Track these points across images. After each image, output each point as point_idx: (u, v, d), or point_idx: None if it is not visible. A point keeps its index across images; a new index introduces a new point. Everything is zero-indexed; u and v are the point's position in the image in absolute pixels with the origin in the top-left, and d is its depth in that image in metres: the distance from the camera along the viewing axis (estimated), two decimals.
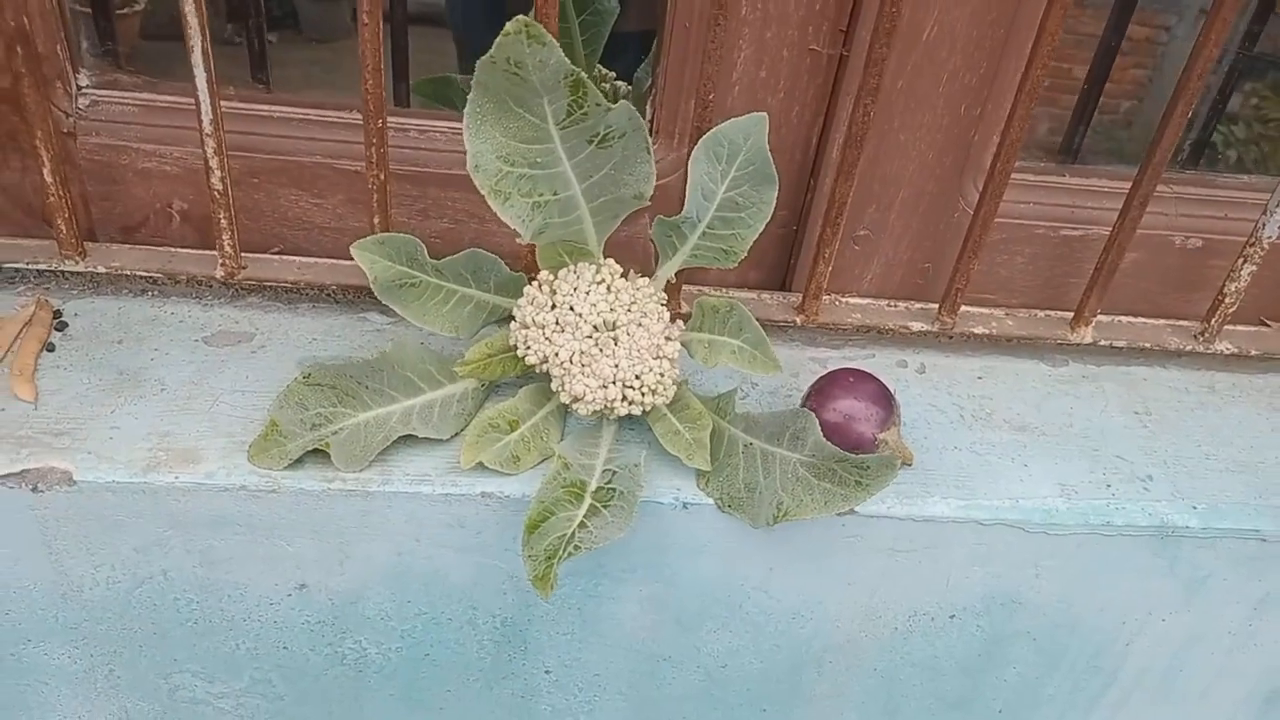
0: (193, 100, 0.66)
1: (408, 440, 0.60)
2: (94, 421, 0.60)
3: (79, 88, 0.65)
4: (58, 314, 0.66)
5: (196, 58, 0.58)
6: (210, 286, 0.70)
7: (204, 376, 0.64)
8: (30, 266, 0.67)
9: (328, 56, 2.45)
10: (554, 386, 0.60)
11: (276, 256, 0.70)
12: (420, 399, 0.62)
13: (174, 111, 0.67)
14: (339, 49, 2.50)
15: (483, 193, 0.55)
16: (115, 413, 0.60)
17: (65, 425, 0.59)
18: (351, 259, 0.69)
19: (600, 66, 0.83)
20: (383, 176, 0.63)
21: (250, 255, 0.68)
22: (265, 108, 0.67)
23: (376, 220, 0.65)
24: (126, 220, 0.69)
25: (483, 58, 0.50)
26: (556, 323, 0.58)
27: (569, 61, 0.50)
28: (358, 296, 0.71)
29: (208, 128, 0.60)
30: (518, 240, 0.58)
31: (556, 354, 0.58)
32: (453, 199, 0.70)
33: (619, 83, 0.85)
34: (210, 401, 0.62)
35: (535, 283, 0.59)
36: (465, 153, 0.69)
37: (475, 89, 0.52)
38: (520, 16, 0.48)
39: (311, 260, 0.70)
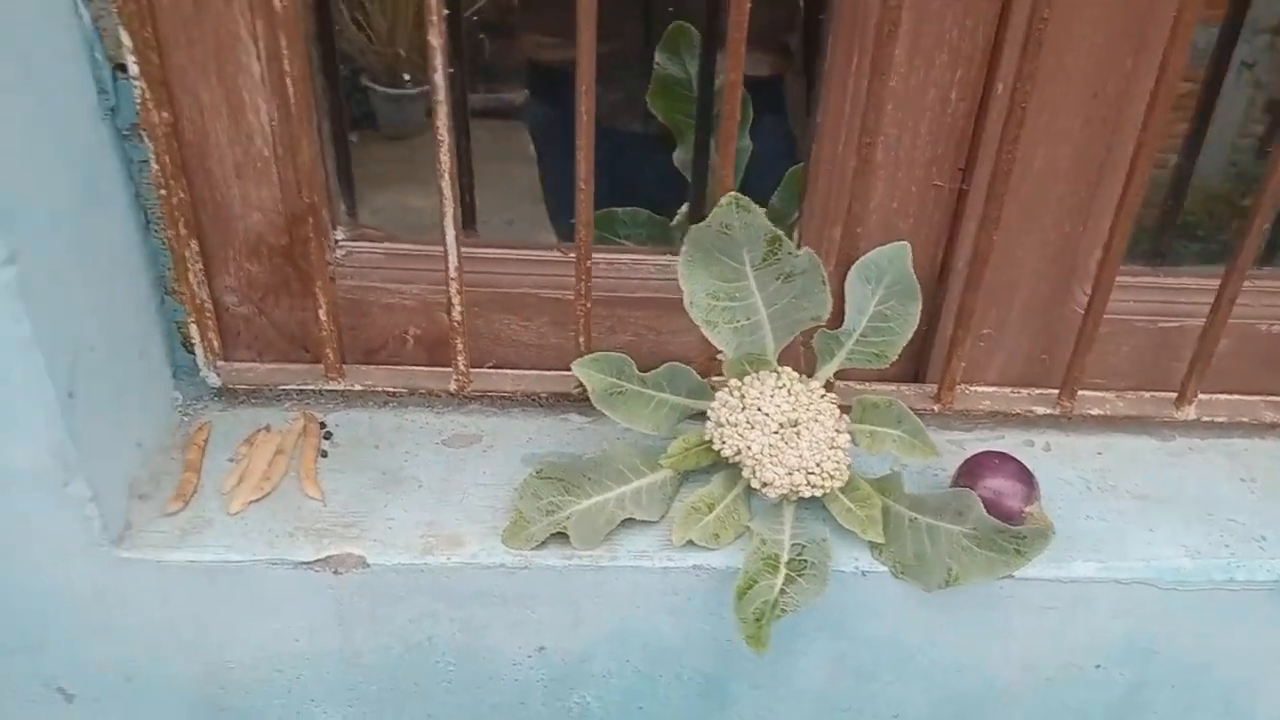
0: (426, 248, 0.82)
1: (625, 523, 0.73)
2: (372, 515, 0.73)
3: (336, 241, 0.80)
4: (323, 425, 0.80)
5: (448, 222, 0.72)
6: (440, 397, 0.84)
7: (450, 474, 0.77)
8: (300, 387, 0.81)
9: (404, 153, 2.64)
10: (745, 474, 0.72)
11: (493, 370, 0.83)
12: (629, 487, 0.75)
13: (410, 257, 0.81)
14: (414, 145, 2.70)
15: (697, 323, 0.69)
16: (388, 506, 0.74)
17: (350, 518, 0.73)
18: (556, 370, 0.84)
19: None
20: (588, 305, 0.77)
21: (474, 370, 0.82)
22: (483, 250, 0.82)
23: (582, 340, 0.78)
24: (369, 345, 0.83)
25: (698, 225, 0.64)
26: (747, 421, 0.71)
27: (770, 224, 0.63)
28: (559, 401, 0.84)
29: (453, 273, 0.75)
30: (719, 358, 0.71)
31: (749, 447, 0.70)
32: (635, 317, 0.83)
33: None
34: (460, 494, 0.75)
35: (727, 389, 0.72)
36: (643, 279, 0.83)
37: (688, 244, 0.66)
38: (733, 192, 0.62)
39: (523, 372, 0.83)
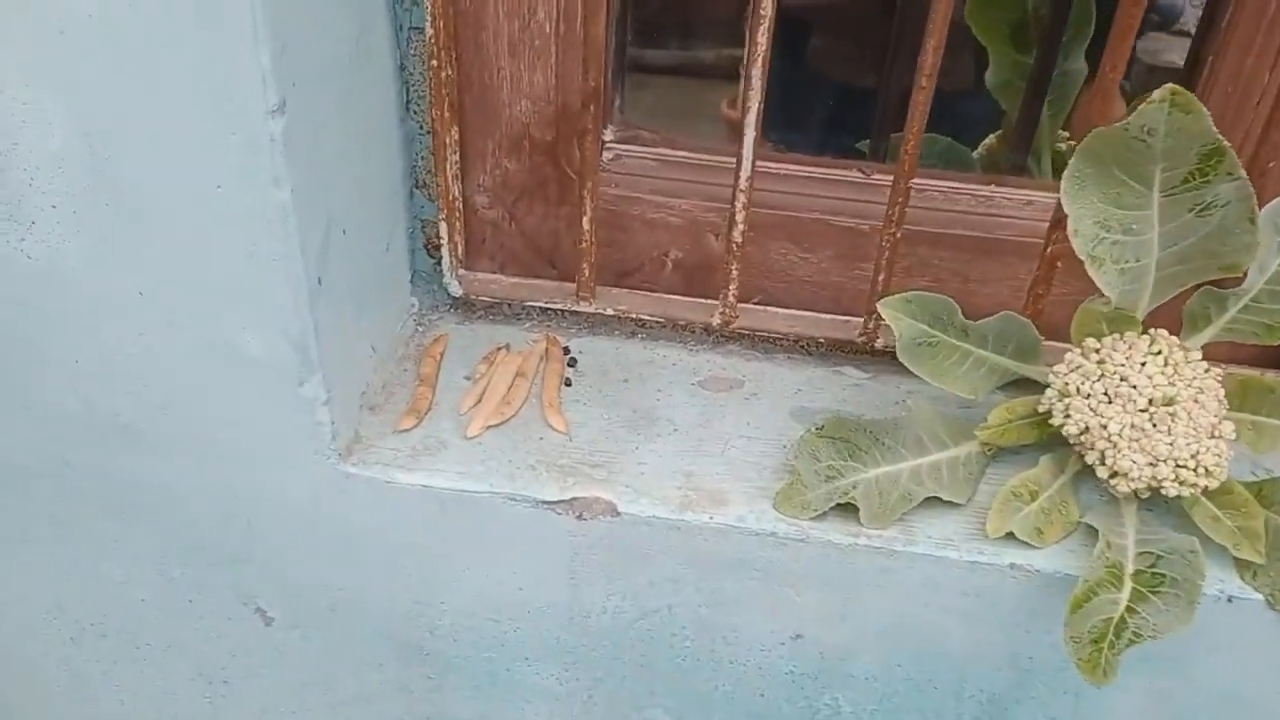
0: (706, 158, 0.70)
1: (925, 503, 0.60)
2: (623, 456, 0.63)
3: (604, 143, 0.70)
4: (566, 350, 0.71)
5: (751, 118, 0.61)
6: (693, 332, 0.73)
7: (709, 419, 0.66)
8: (545, 306, 0.72)
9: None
10: (1090, 458, 0.58)
11: (761, 307, 0.72)
12: (927, 459, 0.61)
13: (686, 166, 0.70)
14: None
15: (1080, 257, 0.54)
16: (639, 449, 0.63)
17: (598, 458, 0.63)
18: (834, 314, 0.71)
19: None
20: (896, 235, 0.64)
21: (740, 305, 0.71)
22: (771, 164, 0.70)
23: (881, 278, 0.65)
24: (623, 266, 0.73)
25: (1103, 130, 0.50)
26: (1106, 393, 0.56)
27: (1215, 131, 0.48)
28: (834, 350, 0.72)
29: (743, 184, 0.63)
30: (1093, 304, 0.57)
31: (1104, 426, 0.56)
32: (940, 258, 0.70)
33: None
34: (721, 445, 0.64)
35: (1080, 351, 0.58)
36: (959, 213, 0.70)
37: (1081, 156, 0.52)
38: (1171, 85, 0.47)
39: (798, 313, 0.71)
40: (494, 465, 0.61)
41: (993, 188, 0.69)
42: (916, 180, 0.69)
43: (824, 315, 0.71)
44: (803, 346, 0.72)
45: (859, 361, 0.71)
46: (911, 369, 0.61)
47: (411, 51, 0.63)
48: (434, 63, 0.62)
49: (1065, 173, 0.52)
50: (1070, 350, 0.58)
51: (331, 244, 0.56)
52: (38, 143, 0.50)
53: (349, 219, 0.58)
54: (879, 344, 0.69)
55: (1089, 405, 0.56)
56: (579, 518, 0.60)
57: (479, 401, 0.66)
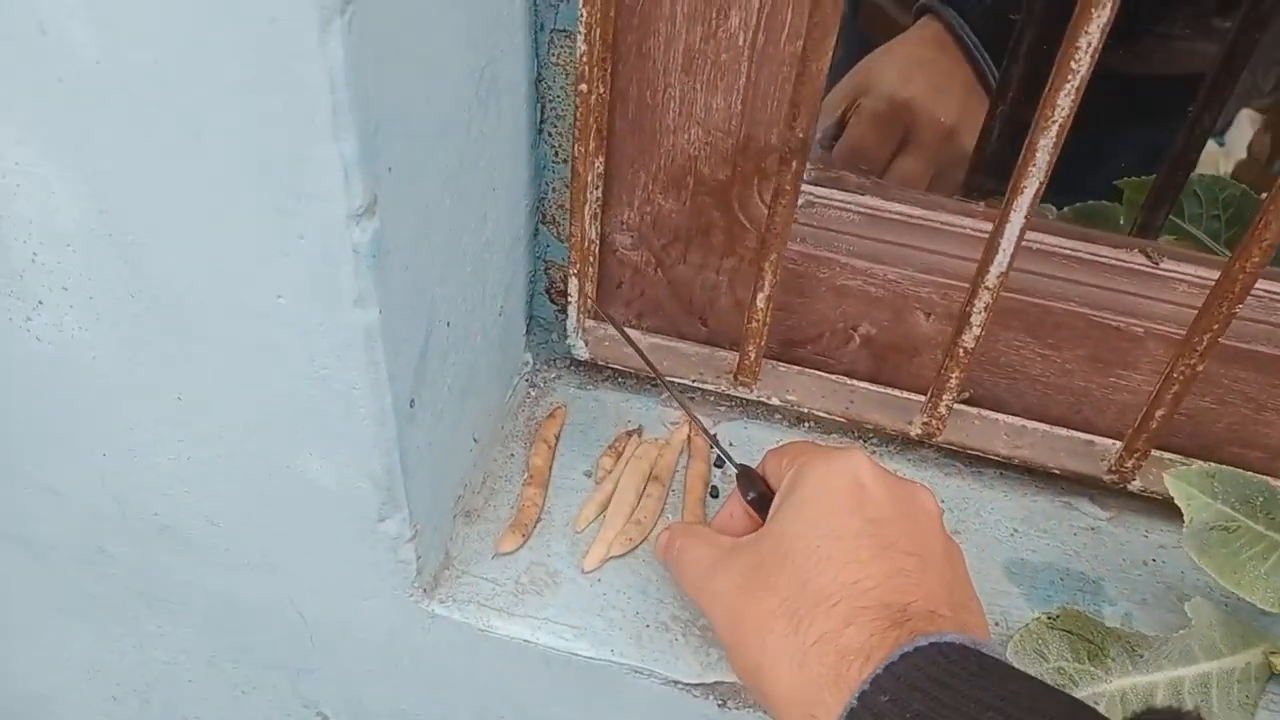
0: (930, 215, 0.53)
1: None
2: None
3: None
4: (713, 438, 0.56)
5: (1023, 200, 0.43)
6: (878, 432, 0.57)
7: None
8: (692, 383, 0.56)
9: None
10: None
11: (975, 410, 0.55)
12: (1193, 669, 0.46)
13: (900, 226, 0.53)
14: None
15: None
16: None
17: None
18: (1070, 427, 0.54)
19: None
20: (1197, 369, 0.46)
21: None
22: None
23: (1160, 414, 0.48)
24: (797, 334, 0.57)
25: None
26: None
27: None
28: (1069, 478, 0.55)
29: (991, 280, 0.46)
30: None
31: None
32: (1233, 377, 0.52)
33: None
34: None
35: None
36: (1270, 324, 0.51)
37: None
38: None
39: (1024, 424, 0.54)
40: (616, 618, 0.48)
41: None
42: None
43: (1058, 431, 0.54)
44: (1028, 466, 0.55)
45: (1098, 494, 0.55)
46: (1198, 561, 0.45)
47: (552, 59, 0.47)
48: (583, 87, 0.45)
49: None
50: None
51: (432, 350, 0.41)
52: (39, 214, 0.36)
53: (456, 303, 0.43)
54: (1134, 485, 0.52)
55: None
56: (720, 705, 0.46)
57: (599, 514, 0.52)
